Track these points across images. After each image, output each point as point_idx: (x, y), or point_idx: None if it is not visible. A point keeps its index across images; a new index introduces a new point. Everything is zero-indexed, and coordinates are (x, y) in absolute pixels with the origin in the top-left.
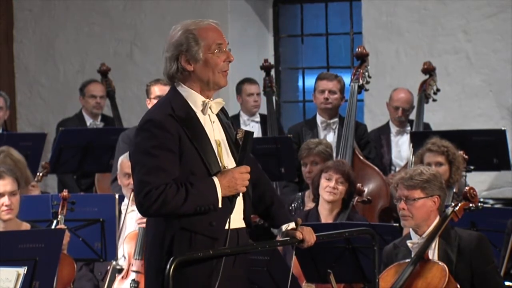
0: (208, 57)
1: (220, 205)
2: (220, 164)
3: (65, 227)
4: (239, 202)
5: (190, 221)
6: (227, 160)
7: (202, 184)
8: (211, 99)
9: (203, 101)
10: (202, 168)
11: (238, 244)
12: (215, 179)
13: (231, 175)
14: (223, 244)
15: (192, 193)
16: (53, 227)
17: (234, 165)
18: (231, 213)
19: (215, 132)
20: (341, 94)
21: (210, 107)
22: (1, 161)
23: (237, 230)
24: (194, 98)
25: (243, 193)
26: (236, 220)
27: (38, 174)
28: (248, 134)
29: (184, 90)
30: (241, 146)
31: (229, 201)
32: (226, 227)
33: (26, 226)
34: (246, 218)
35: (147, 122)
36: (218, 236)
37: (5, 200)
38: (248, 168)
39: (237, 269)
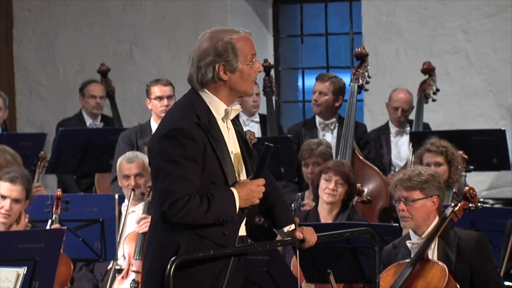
0: (244, 68)
1: (236, 217)
2: (236, 172)
3: (61, 226)
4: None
5: (204, 228)
6: (240, 169)
7: (223, 196)
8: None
9: (226, 109)
10: (222, 178)
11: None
12: (235, 191)
13: (249, 187)
14: None
15: (214, 204)
16: (48, 226)
17: (245, 171)
18: (242, 222)
19: (230, 140)
20: (334, 96)
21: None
22: (1, 160)
23: (242, 237)
24: (217, 106)
25: None
26: (242, 228)
27: (38, 164)
28: (268, 148)
29: (208, 97)
30: (260, 159)
31: (241, 211)
32: (236, 237)
33: (27, 226)
34: (248, 224)
35: (174, 130)
36: (228, 244)
37: (6, 204)
38: (264, 181)
39: (238, 273)
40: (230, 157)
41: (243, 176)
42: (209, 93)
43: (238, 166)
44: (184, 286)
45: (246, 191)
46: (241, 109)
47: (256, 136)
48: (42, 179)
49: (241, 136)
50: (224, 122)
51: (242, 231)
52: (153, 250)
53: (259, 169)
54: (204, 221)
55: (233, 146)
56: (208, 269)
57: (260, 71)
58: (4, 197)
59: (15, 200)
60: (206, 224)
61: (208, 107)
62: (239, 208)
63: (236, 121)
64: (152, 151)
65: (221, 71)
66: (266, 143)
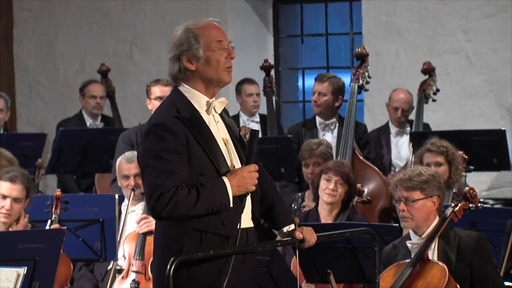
0: (209, 54)
1: (232, 205)
2: (229, 163)
3: (60, 226)
4: (248, 201)
5: (202, 221)
6: (235, 159)
7: (213, 185)
8: (215, 98)
9: (207, 101)
10: (212, 169)
11: (248, 244)
12: (225, 179)
13: (240, 174)
14: (234, 244)
15: (203, 194)
16: (47, 226)
17: (240, 163)
18: (242, 212)
19: (220, 132)
20: (333, 96)
21: (213, 107)
22: None
23: (247, 229)
24: (198, 99)
25: (251, 193)
26: (246, 219)
27: (36, 174)
28: (254, 132)
29: (187, 91)
30: (248, 145)
31: (240, 200)
32: (238, 226)
33: (27, 226)
34: (254, 217)
35: (154, 126)
36: (231, 235)
37: (7, 203)
38: (256, 167)
39: (244, 273)
40: (220, 148)
41: (237, 166)
42: (188, 87)
43: (231, 157)
44: (184, 285)
45: (238, 178)
46: (227, 102)
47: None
48: (42, 179)
49: (232, 129)
50: (209, 114)
51: (248, 223)
52: (158, 251)
53: (249, 155)
54: (195, 211)
55: (225, 137)
56: (209, 268)
57: (232, 58)
58: (4, 196)
59: (16, 200)
60: (204, 218)
61: (189, 101)
62: (237, 197)
63: (224, 114)
64: (138, 150)
65: (186, 62)
66: (251, 128)
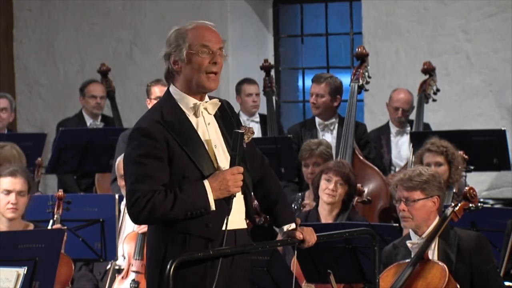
0: (191, 57)
1: (213, 208)
2: (216, 165)
3: (62, 226)
4: (240, 203)
5: (187, 224)
6: (224, 161)
7: (192, 188)
8: (205, 99)
9: (194, 104)
10: (195, 172)
11: (236, 245)
12: (206, 182)
13: (222, 177)
14: (219, 246)
15: (180, 198)
16: (49, 226)
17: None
18: (228, 214)
19: (210, 134)
20: (331, 96)
21: (206, 109)
22: (7, 152)
23: (235, 231)
24: (186, 101)
25: (244, 194)
26: (235, 221)
27: (36, 172)
28: (237, 134)
29: (177, 93)
30: (231, 147)
31: (226, 202)
32: (223, 228)
33: (29, 226)
34: (250, 217)
35: (134, 131)
36: (214, 237)
37: (12, 198)
38: (240, 169)
39: (235, 269)
40: (206, 151)
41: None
42: (177, 89)
43: (216, 159)
44: (175, 284)
45: (220, 181)
46: (219, 103)
47: (254, 133)
48: (42, 178)
49: (229, 130)
50: (197, 117)
51: (238, 224)
52: (148, 252)
53: (232, 157)
54: (173, 215)
55: (215, 139)
56: (194, 269)
57: (215, 63)
58: (8, 191)
59: (19, 193)
60: (189, 221)
61: (177, 104)
62: (222, 199)
63: (221, 115)
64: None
65: (173, 62)
66: (234, 130)
